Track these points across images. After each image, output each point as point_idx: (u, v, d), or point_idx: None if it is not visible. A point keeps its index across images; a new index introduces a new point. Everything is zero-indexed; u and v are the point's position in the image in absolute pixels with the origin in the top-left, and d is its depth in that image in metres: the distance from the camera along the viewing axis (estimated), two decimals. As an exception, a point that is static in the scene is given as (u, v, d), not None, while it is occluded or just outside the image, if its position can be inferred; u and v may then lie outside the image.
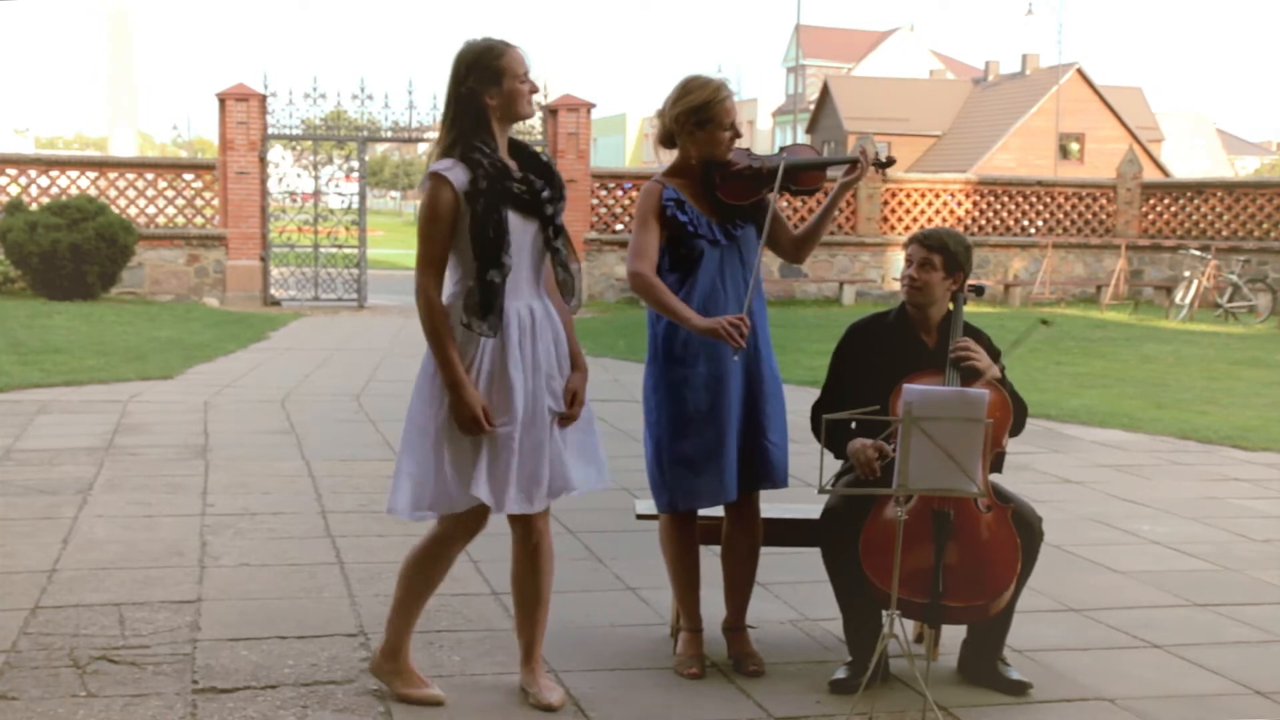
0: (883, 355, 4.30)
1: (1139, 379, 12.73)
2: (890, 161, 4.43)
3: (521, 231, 3.82)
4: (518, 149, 3.97)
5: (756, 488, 4.31)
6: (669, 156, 4.36)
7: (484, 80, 3.80)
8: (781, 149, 4.40)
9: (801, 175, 4.30)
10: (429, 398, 3.84)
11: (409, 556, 4.03)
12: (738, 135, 4.25)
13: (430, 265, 3.79)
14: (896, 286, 4.54)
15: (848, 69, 71.76)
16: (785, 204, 17.16)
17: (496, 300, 3.74)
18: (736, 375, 4.21)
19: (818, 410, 4.34)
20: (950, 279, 4.31)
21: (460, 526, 3.93)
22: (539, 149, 4.05)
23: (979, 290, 4.50)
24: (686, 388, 4.21)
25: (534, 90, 3.88)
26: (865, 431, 3.93)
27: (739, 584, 4.42)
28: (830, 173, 4.49)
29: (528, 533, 4.00)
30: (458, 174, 3.77)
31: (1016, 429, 4.32)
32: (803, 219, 20.04)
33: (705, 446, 4.19)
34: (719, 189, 4.24)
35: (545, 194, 3.87)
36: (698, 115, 4.18)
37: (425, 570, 4.00)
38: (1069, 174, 39.92)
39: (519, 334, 3.84)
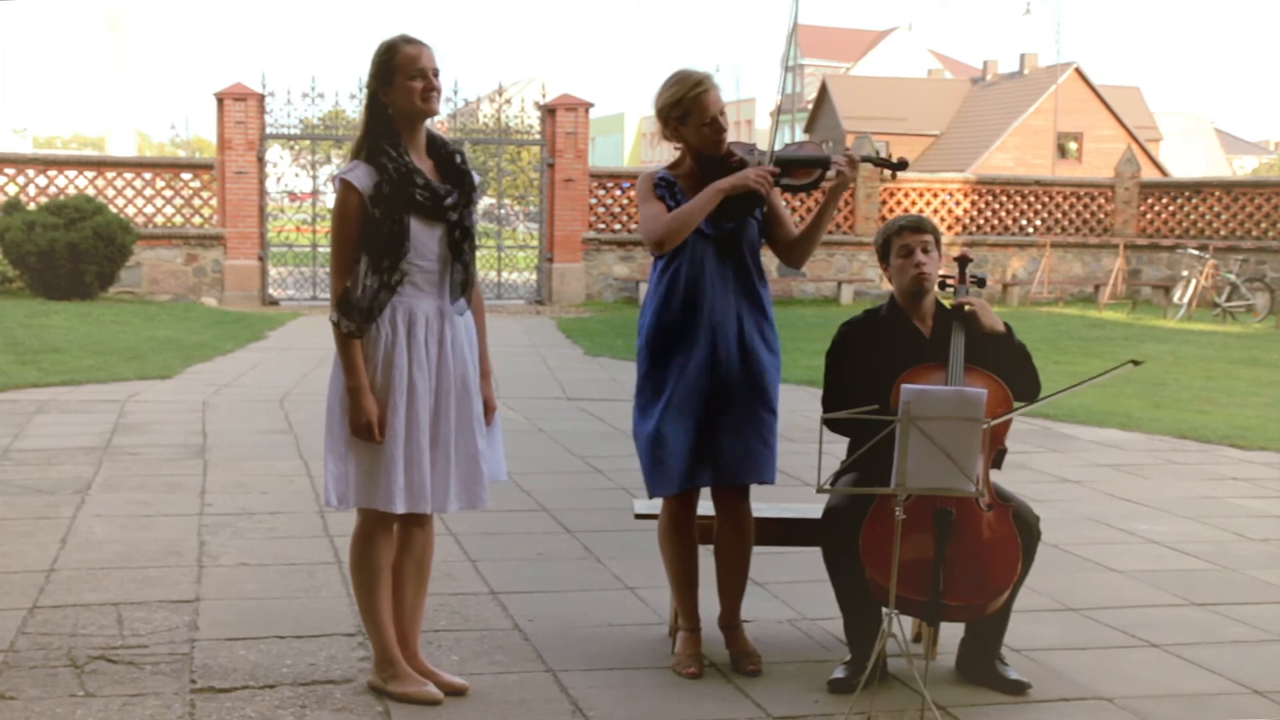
0: (881, 349, 4.30)
1: (1137, 378, 12.72)
2: (901, 164, 4.43)
3: (427, 236, 3.87)
4: (436, 148, 3.98)
5: (733, 483, 4.29)
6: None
7: (380, 80, 3.87)
8: (785, 145, 4.41)
9: (795, 170, 4.31)
10: (341, 397, 3.91)
11: (349, 560, 4.09)
12: (721, 129, 4.23)
13: (343, 271, 3.86)
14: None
15: (846, 68, 71.78)
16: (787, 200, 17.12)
17: (371, 304, 3.80)
18: (706, 369, 4.22)
19: (829, 410, 4.36)
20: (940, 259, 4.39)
21: (374, 516, 3.96)
22: (457, 149, 4.08)
23: (980, 282, 4.51)
24: (663, 376, 4.24)
25: (429, 88, 3.85)
26: (865, 430, 3.94)
27: (732, 581, 4.41)
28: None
29: (423, 530, 4.09)
30: (362, 178, 3.82)
31: (1031, 392, 4.34)
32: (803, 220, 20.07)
33: (684, 435, 4.22)
34: (707, 180, 4.25)
35: (449, 200, 3.90)
36: (676, 110, 4.21)
37: (362, 567, 4.02)
38: (1067, 173, 39.92)
39: (425, 334, 3.91)
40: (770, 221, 4.35)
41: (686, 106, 4.19)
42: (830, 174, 4.37)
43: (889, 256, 4.38)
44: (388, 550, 4.02)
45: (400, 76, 3.84)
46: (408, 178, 3.83)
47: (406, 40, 3.89)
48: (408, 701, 3.95)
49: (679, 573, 4.39)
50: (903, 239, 4.34)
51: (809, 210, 21.32)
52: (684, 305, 4.23)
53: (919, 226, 4.35)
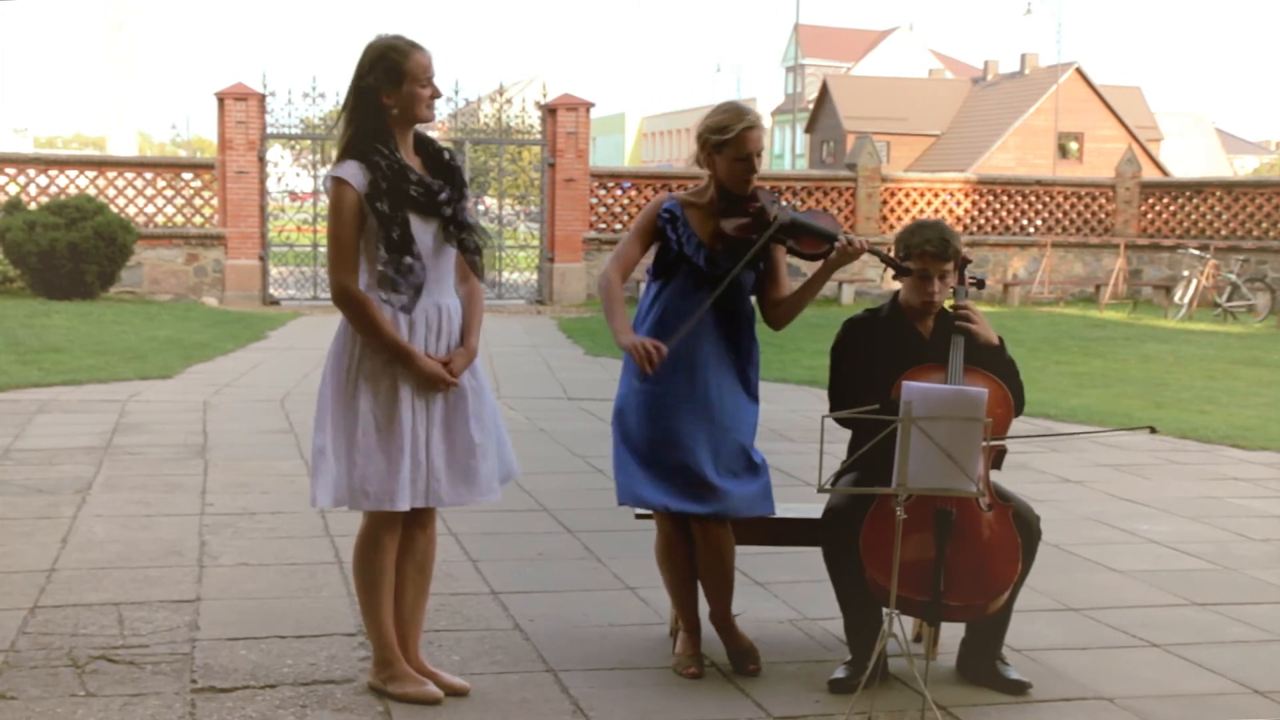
0: (881, 349, 4.30)
1: (1138, 378, 12.73)
2: (907, 271, 4.29)
3: (423, 232, 3.88)
4: (423, 146, 4.00)
5: (696, 513, 4.24)
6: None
7: (384, 79, 3.85)
8: (808, 210, 4.39)
9: (803, 236, 4.25)
10: (336, 395, 3.89)
11: (353, 557, 4.08)
12: (753, 169, 4.21)
13: (344, 265, 3.86)
14: (895, 286, 4.55)
15: (847, 68, 71.78)
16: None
17: (410, 282, 3.82)
18: (684, 402, 4.23)
19: (835, 405, 4.36)
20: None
21: (382, 517, 3.96)
22: (445, 145, 4.10)
23: (979, 284, 4.50)
24: (638, 399, 4.31)
25: (435, 95, 3.91)
26: (865, 430, 3.94)
27: (715, 593, 4.40)
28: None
29: (424, 532, 4.09)
30: (357, 175, 3.82)
31: (1015, 406, 4.33)
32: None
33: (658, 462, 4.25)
34: (724, 219, 4.24)
35: (443, 195, 3.92)
36: (718, 135, 4.21)
37: (367, 568, 4.01)
38: (1068, 173, 39.90)
39: (426, 331, 3.93)
40: (766, 277, 4.34)
41: (727, 135, 4.16)
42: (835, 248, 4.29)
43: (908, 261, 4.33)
44: (393, 551, 4.02)
45: (410, 82, 3.84)
46: (401, 174, 3.85)
47: (414, 45, 3.88)
48: (407, 702, 3.95)
49: (677, 587, 4.40)
50: (923, 263, 4.27)
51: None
52: (664, 336, 4.21)
53: (942, 254, 4.25)
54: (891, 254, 4.43)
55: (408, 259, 3.81)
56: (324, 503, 3.89)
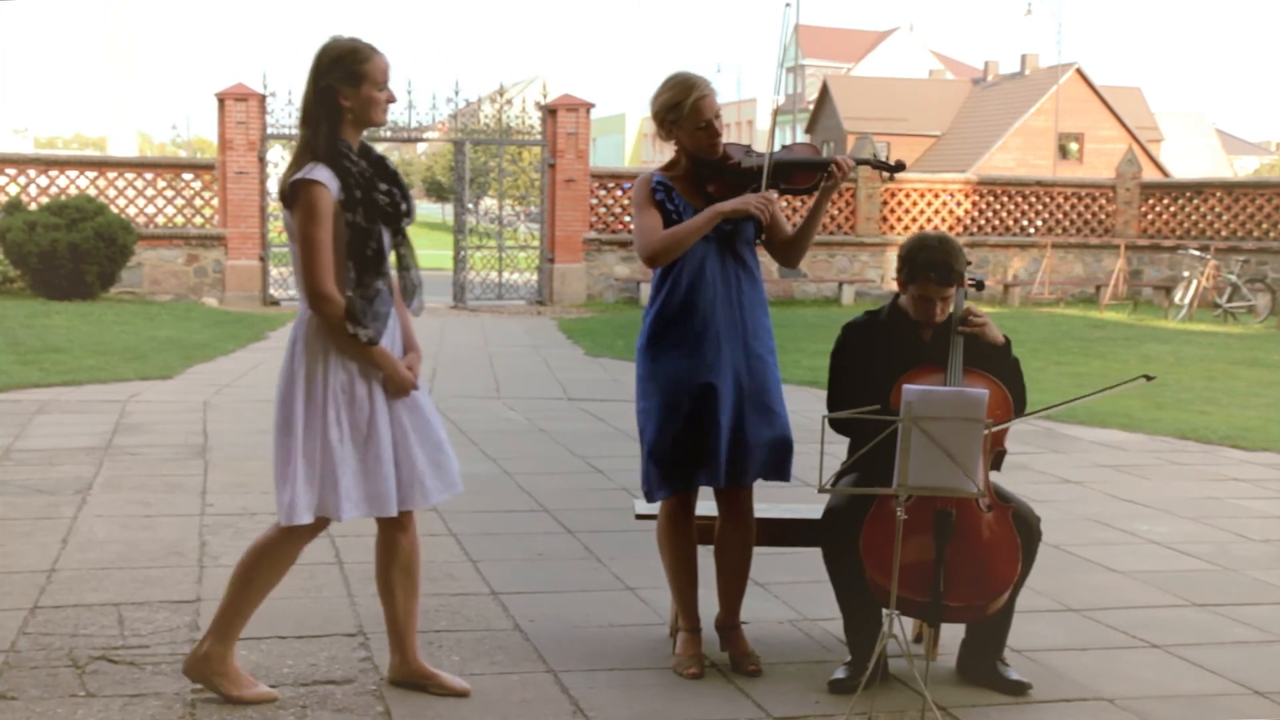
0: (881, 352, 4.29)
1: (1138, 379, 12.72)
2: (898, 167, 4.41)
3: (386, 243, 3.85)
4: (365, 152, 3.95)
5: (743, 481, 4.29)
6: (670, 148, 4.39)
7: (342, 80, 3.79)
8: (783, 147, 4.41)
9: (793, 173, 4.30)
10: (310, 409, 3.83)
11: (249, 555, 3.97)
12: (716, 133, 4.22)
13: (324, 269, 3.75)
14: (895, 286, 4.57)
15: (847, 69, 71.78)
16: (785, 204, 17.08)
17: (385, 307, 3.80)
18: (725, 368, 4.22)
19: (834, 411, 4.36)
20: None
21: (309, 526, 3.90)
22: (381, 153, 4.03)
23: (979, 285, 4.49)
24: (671, 378, 4.22)
25: (391, 100, 3.87)
26: (866, 430, 3.94)
27: (732, 581, 4.40)
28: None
29: (405, 534, 4.05)
30: (329, 179, 3.76)
31: (1017, 407, 4.33)
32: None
33: (689, 437, 4.20)
34: (708, 184, 4.25)
35: (403, 206, 3.90)
36: (672, 113, 4.20)
37: (268, 569, 3.96)
38: (1068, 174, 39.92)
39: (389, 341, 3.90)
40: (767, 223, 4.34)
41: (682, 111, 4.17)
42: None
43: (910, 282, 4.28)
44: (298, 557, 3.99)
45: (369, 85, 3.79)
46: (371, 182, 3.81)
47: (373, 49, 3.84)
48: (245, 704, 3.88)
49: (678, 572, 4.38)
50: (925, 289, 4.22)
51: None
52: (685, 306, 4.22)
53: (946, 279, 4.19)
54: (895, 264, 4.43)
55: (378, 282, 3.77)
56: (302, 519, 3.80)
